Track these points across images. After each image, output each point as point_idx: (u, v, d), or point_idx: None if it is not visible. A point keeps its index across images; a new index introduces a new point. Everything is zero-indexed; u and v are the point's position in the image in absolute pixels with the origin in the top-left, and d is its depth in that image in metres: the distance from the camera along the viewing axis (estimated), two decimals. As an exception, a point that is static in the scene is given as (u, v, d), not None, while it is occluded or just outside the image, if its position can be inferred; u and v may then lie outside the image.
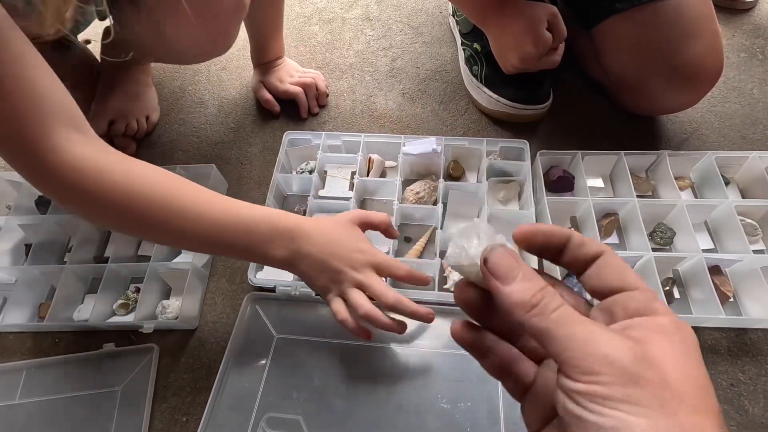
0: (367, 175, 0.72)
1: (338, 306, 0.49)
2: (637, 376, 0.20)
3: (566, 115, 0.80)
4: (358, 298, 0.48)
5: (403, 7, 0.99)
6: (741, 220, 0.65)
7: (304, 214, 0.68)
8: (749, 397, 0.56)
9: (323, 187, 0.71)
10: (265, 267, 0.65)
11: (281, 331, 0.61)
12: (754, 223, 0.65)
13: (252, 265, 0.64)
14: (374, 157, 0.73)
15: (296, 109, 0.83)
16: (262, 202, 0.72)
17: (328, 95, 0.86)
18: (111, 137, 0.80)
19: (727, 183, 0.70)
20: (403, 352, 0.58)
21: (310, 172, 0.73)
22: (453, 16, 0.90)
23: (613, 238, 0.67)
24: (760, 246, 0.65)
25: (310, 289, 0.61)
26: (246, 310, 0.63)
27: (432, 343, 0.59)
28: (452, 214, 0.69)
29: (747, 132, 0.77)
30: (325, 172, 0.73)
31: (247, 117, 0.85)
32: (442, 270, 0.65)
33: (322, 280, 0.50)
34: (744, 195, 0.70)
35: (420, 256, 0.67)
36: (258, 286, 0.64)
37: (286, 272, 0.63)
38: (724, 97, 0.81)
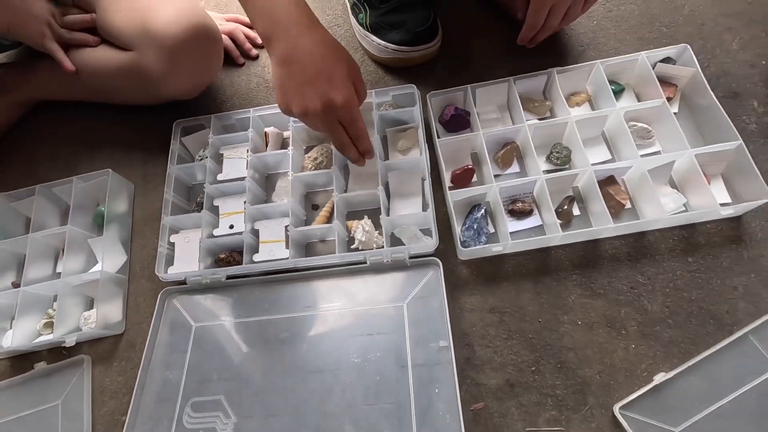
0: (266, 150, 0.71)
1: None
2: None
3: (462, 49, 0.78)
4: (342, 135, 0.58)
5: (288, -37, 0.93)
6: (632, 126, 0.64)
7: (202, 204, 0.67)
8: (648, 296, 0.58)
9: (222, 171, 0.70)
10: (175, 260, 0.66)
11: (199, 319, 0.62)
12: (645, 126, 0.64)
13: (160, 261, 0.65)
14: (269, 130, 0.71)
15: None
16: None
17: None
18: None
19: (622, 89, 0.69)
20: (316, 316, 0.60)
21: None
22: (333, -37, 0.85)
23: (514, 167, 0.67)
24: (657, 147, 0.65)
25: (220, 275, 0.62)
26: (163, 306, 0.64)
27: (344, 303, 0.60)
28: (396, 194, 0.67)
29: (643, 32, 0.75)
30: (221, 155, 0.72)
31: (144, 108, 0.82)
32: (348, 230, 0.65)
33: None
34: (639, 98, 0.69)
35: (329, 221, 0.67)
36: (170, 282, 0.65)
37: (196, 261, 0.63)
38: (620, -2, 0.78)
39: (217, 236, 0.66)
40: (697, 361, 0.53)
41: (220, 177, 0.70)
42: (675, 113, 0.67)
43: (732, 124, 0.59)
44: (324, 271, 0.63)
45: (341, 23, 0.85)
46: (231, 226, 0.67)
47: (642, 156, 0.63)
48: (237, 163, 0.70)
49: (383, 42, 0.74)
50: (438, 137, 0.67)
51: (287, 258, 0.62)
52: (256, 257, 0.64)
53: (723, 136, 0.61)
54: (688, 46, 0.66)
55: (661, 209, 0.58)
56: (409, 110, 0.68)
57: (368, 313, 0.59)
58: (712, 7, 0.75)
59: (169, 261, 0.66)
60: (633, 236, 0.61)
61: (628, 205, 0.62)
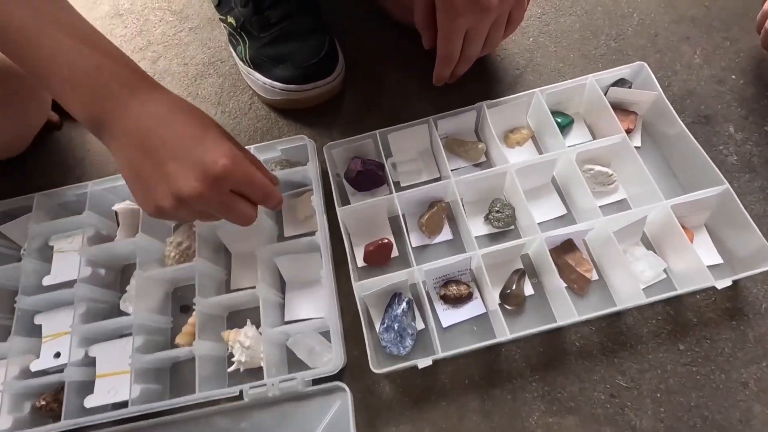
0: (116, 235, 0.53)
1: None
2: None
3: (373, 81, 0.62)
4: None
5: (161, -12, 0.76)
6: (589, 170, 0.50)
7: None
8: (634, 406, 0.42)
9: (50, 272, 0.51)
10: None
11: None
12: (605, 170, 0.50)
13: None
14: (120, 207, 0.53)
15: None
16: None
17: None
18: None
19: (571, 122, 0.55)
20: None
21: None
22: (206, -15, 0.68)
23: (445, 233, 0.51)
24: (620, 194, 0.51)
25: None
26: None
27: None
28: (291, 283, 0.51)
29: (588, 48, 0.61)
30: (51, 247, 0.52)
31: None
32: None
33: None
34: (593, 131, 0.55)
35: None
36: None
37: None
38: (557, 9, 0.65)
39: (36, 372, 0.46)
40: (711, 504, 0.38)
41: (46, 281, 0.50)
42: (637, 147, 0.53)
43: (713, 163, 0.46)
44: (192, 414, 0.44)
45: (225, 58, 0.68)
46: (57, 354, 0.47)
47: (603, 208, 0.49)
48: (73, 260, 0.51)
49: (268, 80, 0.58)
50: (343, 202, 0.50)
51: (127, 403, 0.43)
52: (89, 401, 0.44)
53: (701, 175, 0.47)
54: (645, 64, 0.52)
55: (637, 280, 0.44)
56: (301, 169, 0.51)
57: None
58: (664, 13, 0.63)
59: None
60: (605, 319, 0.46)
61: (595, 277, 0.47)
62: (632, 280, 0.43)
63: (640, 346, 0.45)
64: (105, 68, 0.36)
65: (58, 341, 0.48)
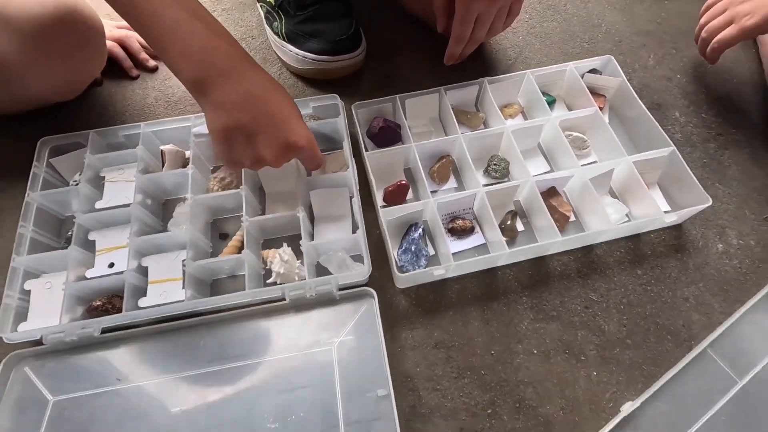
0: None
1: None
2: None
3: (388, 62, 0.73)
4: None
5: (196, -26, 0.85)
6: (568, 135, 0.62)
7: (71, 239, 0.53)
8: (603, 315, 0.53)
9: (102, 198, 0.57)
10: (30, 314, 0.50)
11: (60, 390, 0.47)
12: (581, 136, 0.62)
13: (7, 316, 0.49)
14: (167, 148, 0.60)
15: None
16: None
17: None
18: None
19: (553, 101, 0.67)
20: (221, 373, 0.47)
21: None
22: (244, -29, 0.78)
23: (451, 182, 0.61)
24: (593, 157, 0.63)
25: (91, 329, 0.48)
26: (8, 376, 0.47)
27: (257, 353, 0.48)
28: (320, 218, 0.58)
29: (567, 47, 0.75)
30: (103, 178, 0.58)
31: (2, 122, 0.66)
32: (264, 262, 0.54)
33: None
34: (571, 109, 0.67)
35: (241, 251, 0.55)
36: (21, 342, 0.49)
37: (56, 314, 0.49)
38: (542, 16, 0.79)
39: (90, 278, 0.52)
40: (661, 384, 0.48)
41: (99, 204, 0.56)
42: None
43: (663, 131, 0.58)
44: (234, 314, 0.51)
45: (256, 35, 0.76)
46: (111, 265, 0.53)
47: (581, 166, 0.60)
48: (123, 188, 0.57)
49: (301, 52, 0.67)
50: (366, 151, 0.59)
51: (182, 300, 0.49)
52: (143, 302, 0.50)
53: (655, 144, 0.59)
54: (612, 57, 0.65)
55: (607, 220, 0.54)
56: (332, 122, 0.60)
57: (289, 362, 0.47)
58: (626, 26, 0.77)
59: (22, 316, 0.50)
60: (580, 251, 0.57)
61: (573, 218, 0.58)
62: (604, 220, 0.54)
63: (608, 271, 0.55)
64: (212, 43, 0.43)
65: (111, 254, 0.53)
